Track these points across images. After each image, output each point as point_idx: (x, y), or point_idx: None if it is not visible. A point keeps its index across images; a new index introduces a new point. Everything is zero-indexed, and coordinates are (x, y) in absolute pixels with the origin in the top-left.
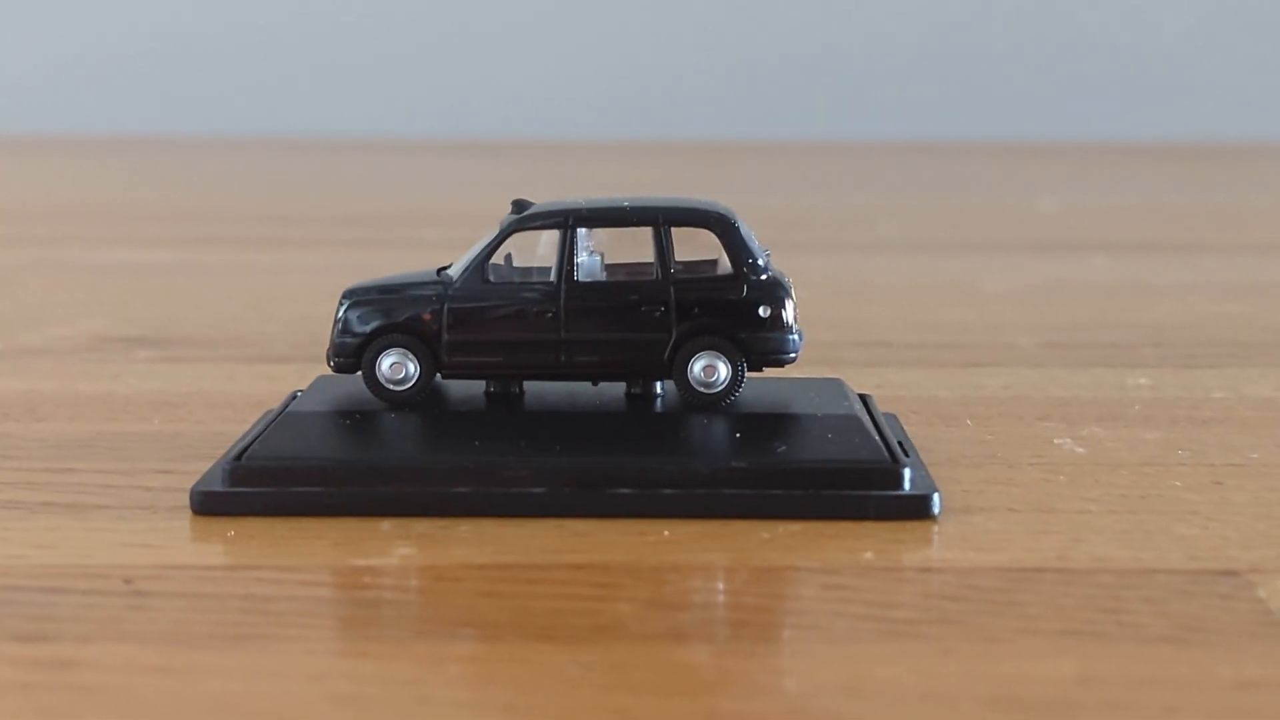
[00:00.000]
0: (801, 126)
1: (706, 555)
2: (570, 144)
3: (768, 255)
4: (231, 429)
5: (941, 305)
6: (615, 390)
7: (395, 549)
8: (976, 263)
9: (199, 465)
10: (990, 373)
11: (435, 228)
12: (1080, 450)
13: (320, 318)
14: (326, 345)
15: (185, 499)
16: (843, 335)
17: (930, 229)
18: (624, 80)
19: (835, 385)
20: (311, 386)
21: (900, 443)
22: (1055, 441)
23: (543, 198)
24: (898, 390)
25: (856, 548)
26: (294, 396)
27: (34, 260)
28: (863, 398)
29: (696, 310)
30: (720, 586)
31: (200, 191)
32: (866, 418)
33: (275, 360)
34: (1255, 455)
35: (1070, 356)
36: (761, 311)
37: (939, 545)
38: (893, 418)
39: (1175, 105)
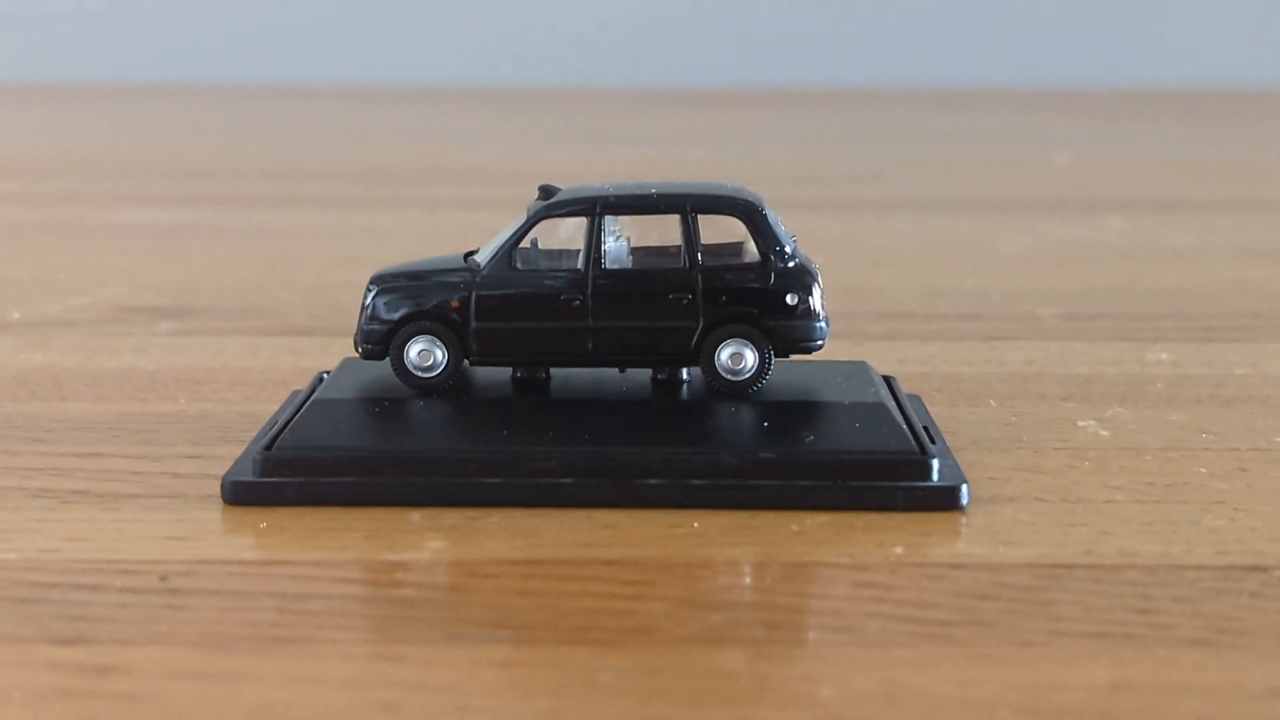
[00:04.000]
0: (804, 71)
1: (737, 549)
2: (573, 91)
3: (794, 242)
4: (257, 409)
5: (959, 270)
6: (641, 376)
7: (427, 542)
8: (992, 222)
9: (227, 449)
10: (1011, 346)
11: (446, 184)
12: (1104, 433)
13: (338, 285)
14: (353, 322)
15: (215, 487)
16: (861, 305)
17: (943, 185)
18: (622, 25)
19: (860, 369)
20: (338, 369)
21: (926, 429)
22: (1079, 424)
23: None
24: (919, 366)
25: (886, 541)
26: (320, 379)
27: (46, 220)
28: (887, 380)
29: (724, 298)
30: (751, 584)
31: (207, 142)
32: (893, 403)
33: (297, 333)
34: (1279, 439)
35: (1090, 328)
36: (789, 299)
37: (968, 539)
38: (916, 399)
39: (1195, 49)
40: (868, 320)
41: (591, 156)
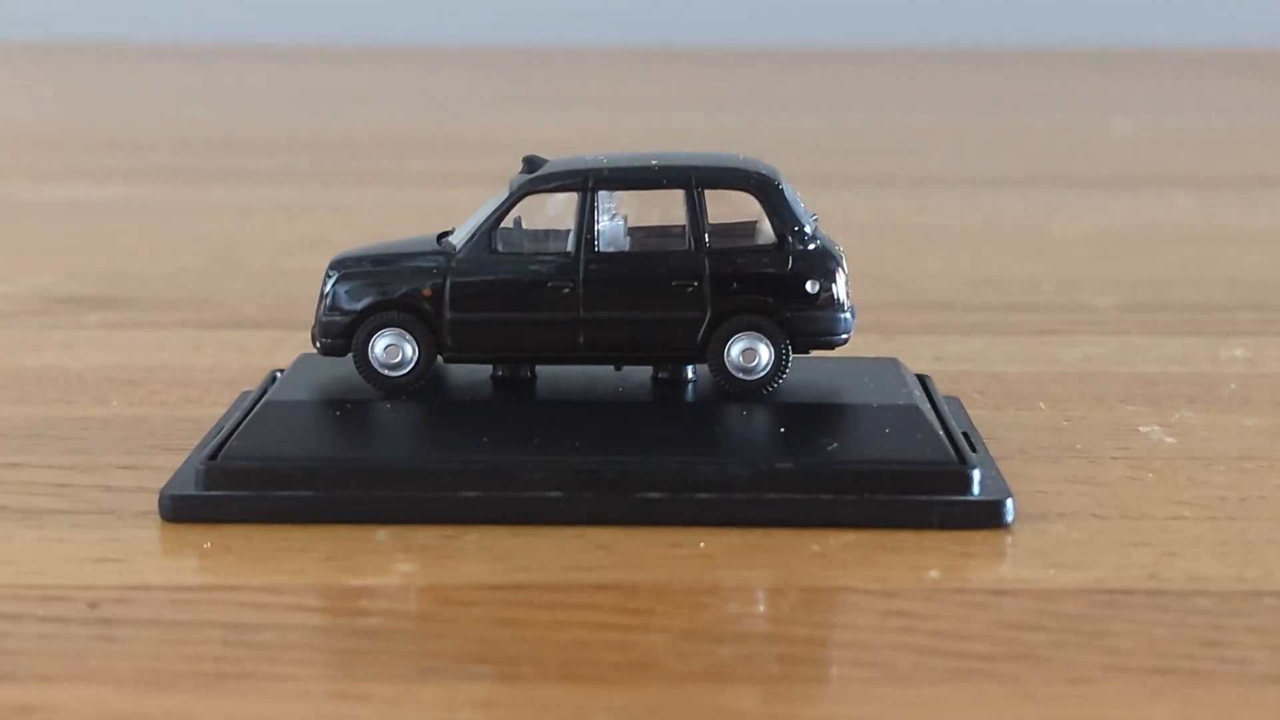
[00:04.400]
0: (828, 28)
1: (749, 573)
2: (563, 50)
3: (815, 221)
4: (201, 413)
5: (1006, 255)
6: (640, 375)
7: (395, 564)
8: (1044, 200)
9: (166, 460)
10: (1065, 341)
11: (418, 156)
12: (1170, 440)
13: (293, 271)
14: (310, 314)
15: (152, 502)
16: (893, 294)
17: (989, 157)
18: None
19: (891, 366)
20: (293, 367)
21: (966, 435)
22: (1141, 429)
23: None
24: (959, 364)
25: (920, 564)
26: (273, 378)
27: None
28: (921, 380)
29: (735, 285)
30: (766, 612)
31: (146, 110)
32: (927, 406)
33: (246, 326)
34: None
35: (1155, 321)
36: (809, 287)
37: (1013, 561)
38: (955, 401)
39: (1276, 2)
40: (900, 311)
41: (584, 124)
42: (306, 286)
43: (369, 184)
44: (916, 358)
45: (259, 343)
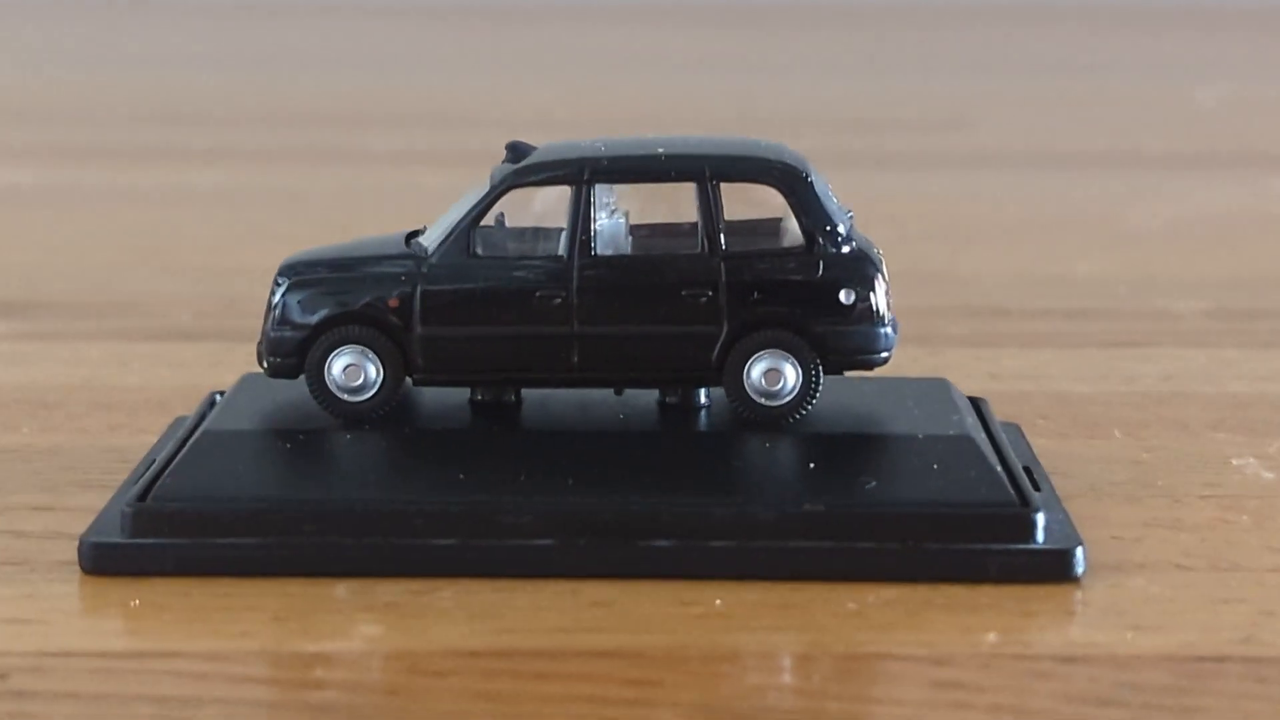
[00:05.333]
0: None
1: (773, 636)
2: (555, 6)
3: (851, 219)
4: (128, 443)
5: (1071, 251)
6: (644, 401)
7: (356, 627)
8: (1116, 185)
9: (88, 499)
10: (1143, 356)
11: (383, 133)
12: (1268, 475)
13: (237, 271)
14: (256, 324)
15: (71, 550)
16: (939, 298)
17: (1050, 133)
18: None
19: (939, 389)
20: (236, 389)
21: (1028, 470)
22: (1234, 462)
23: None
24: (1019, 383)
25: (974, 625)
26: (213, 402)
27: None
28: (975, 404)
29: (756, 295)
30: (793, 684)
31: (61, 74)
32: (982, 435)
33: (179, 337)
34: None
35: (1249, 331)
36: (843, 297)
37: (1085, 622)
38: (1014, 429)
39: None
40: (949, 319)
41: (579, 96)
42: (253, 289)
43: (326, 165)
44: (968, 375)
45: (196, 357)
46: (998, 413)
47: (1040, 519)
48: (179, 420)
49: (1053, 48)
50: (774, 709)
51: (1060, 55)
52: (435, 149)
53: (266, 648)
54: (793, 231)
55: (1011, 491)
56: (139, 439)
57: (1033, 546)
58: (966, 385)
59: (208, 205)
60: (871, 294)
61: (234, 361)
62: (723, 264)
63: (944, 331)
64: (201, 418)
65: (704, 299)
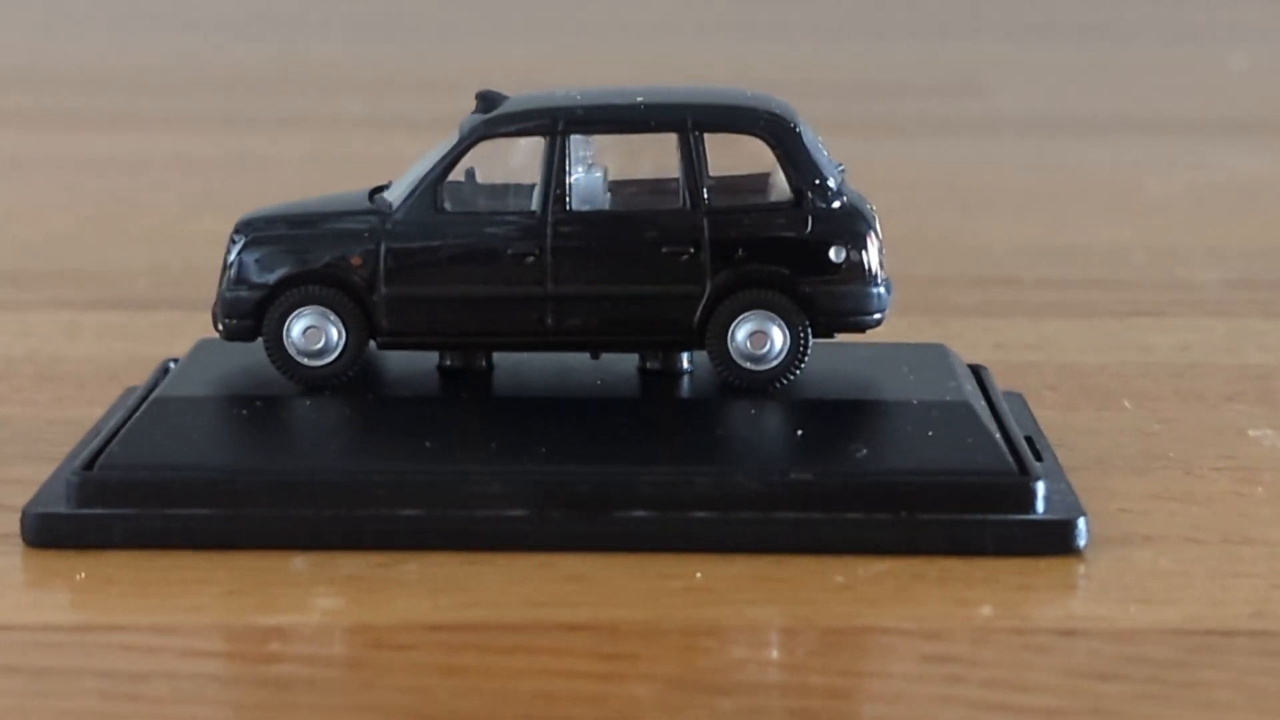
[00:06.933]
0: None
1: (756, 610)
2: None
3: (842, 173)
4: (76, 414)
5: (1085, 218)
6: (623, 366)
7: (315, 600)
8: (1136, 151)
9: (32, 470)
10: (1160, 326)
11: (356, 96)
12: None
13: (195, 237)
14: (212, 290)
15: (14, 522)
16: (946, 266)
17: (1065, 96)
18: None
19: (937, 355)
20: (190, 355)
21: (1029, 439)
22: (1251, 433)
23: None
24: (1025, 353)
25: (969, 599)
26: (165, 370)
27: None
28: (975, 371)
29: (741, 252)
30: (777, 658)
31: (12, 37)
32: (981, 403)
33: (133, 306)
34: None
35: (1274, 301)
36: (833, 254)
37: (1086, 595)
38: (1017, 399)
39: None
40: (954, 287)
41: (563, 58)
42: (211, 256)
43: (292, 129)
44: (973, 345)
45: (150, 327)
46: (1002, 383)
47: (1040, 488)
48: (129, 390)
49: (1068, 8)
50: (753, 683)
51: (1076, 15)
52: (410, 113)
53: (220, 621)
54: (780, 186)
55: (1010, 460)
56: (87, 411)
57: (1032, 517)
58: (971, 355)
59: (167, 171)
60: (863, 252)
61: (192, 330)
62: (705, 220)
63: (949, 300)
64: (154, 385)
65: (685, 257)
